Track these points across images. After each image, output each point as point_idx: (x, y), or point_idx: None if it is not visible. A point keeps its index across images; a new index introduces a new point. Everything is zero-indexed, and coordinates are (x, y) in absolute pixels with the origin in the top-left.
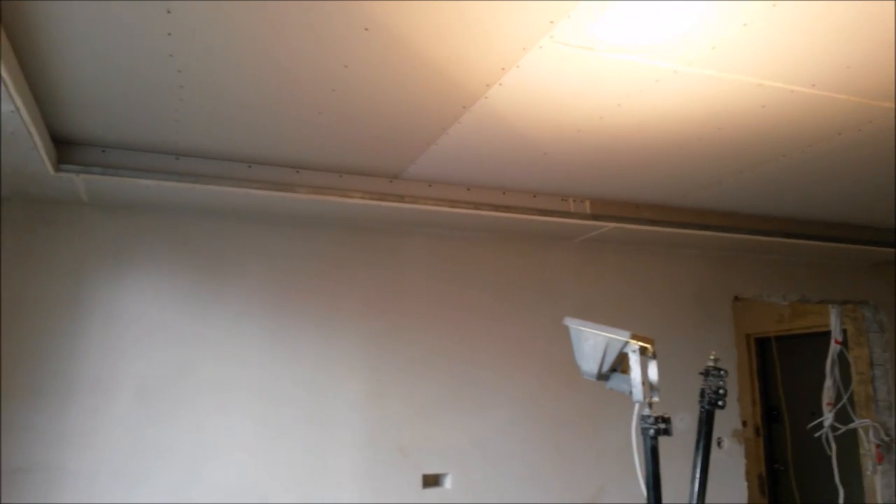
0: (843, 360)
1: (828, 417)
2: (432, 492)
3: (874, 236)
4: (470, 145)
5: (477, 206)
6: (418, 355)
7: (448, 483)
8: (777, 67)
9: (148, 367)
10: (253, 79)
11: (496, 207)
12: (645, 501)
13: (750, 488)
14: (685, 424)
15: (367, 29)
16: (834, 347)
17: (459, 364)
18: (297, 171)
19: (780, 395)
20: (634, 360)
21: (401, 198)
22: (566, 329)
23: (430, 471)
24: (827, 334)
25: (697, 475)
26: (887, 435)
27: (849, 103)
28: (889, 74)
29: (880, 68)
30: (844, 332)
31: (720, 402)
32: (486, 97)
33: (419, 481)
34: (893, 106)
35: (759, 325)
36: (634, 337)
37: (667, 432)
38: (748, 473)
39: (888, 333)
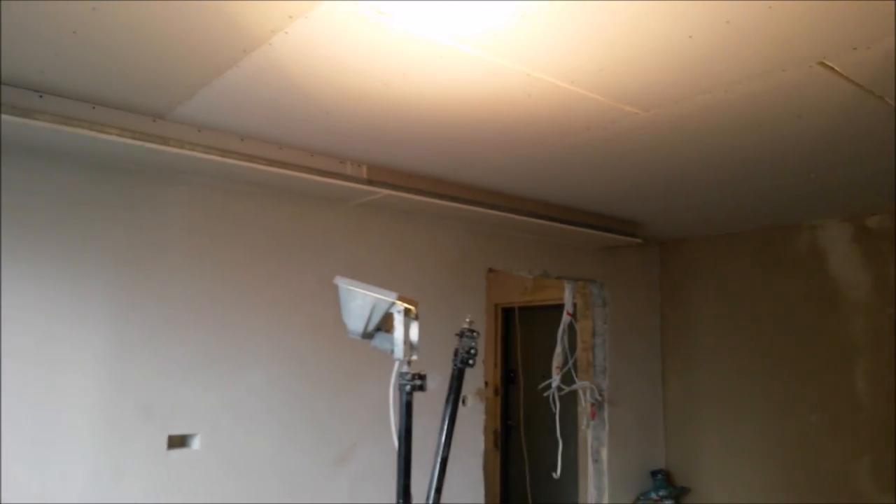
0: (571, 330)
1: (555, 379)
2: (178, 452)
3: (607, 224)
4: (248, 93)
5: (250, 158)
6: (172, 312)
7: (196, 444)
8: (546, 61)
9: None
10: None
11: (271, 162)
12: (395, 456)
13: (486, 442)
14: (436, 383)
15: None
16: (565, 318)
17: (217, 323)
18: (41, 96)
19: (517, 360)
20: (399, 321)
21: (165, 140)
22: (333, 290)
23: (177, 431)
24: (561, 306)
25: (445, 427)
26: (600, 395)
27: (599, 103)
28: (634, 82)
29: (628, 75)
30: (575, 305)
31: (471, 362)
32: (270, 44)
33: (164, 442)
34: (635, 111)
35: (506, 295)
36: (401, 298)
37: (422, 388)
38: (486, 429)
39: (609, 308)
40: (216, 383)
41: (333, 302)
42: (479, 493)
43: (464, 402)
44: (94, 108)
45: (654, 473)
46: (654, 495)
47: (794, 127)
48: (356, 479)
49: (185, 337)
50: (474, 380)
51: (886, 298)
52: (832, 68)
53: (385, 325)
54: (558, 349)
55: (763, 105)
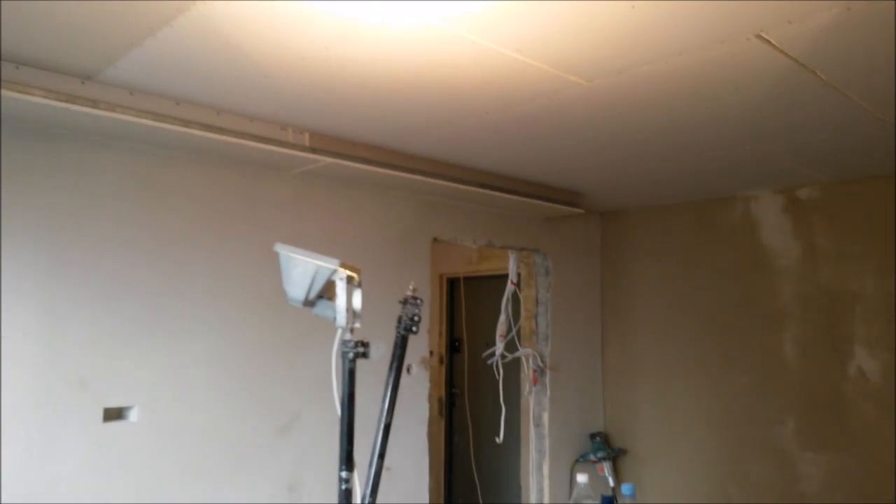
0: (515, 299)
1: (499, 347)
2: (115, 425)
3: (551, 194)
4: (183, 54)
5: (186, 123)
6: (105, 282)
7: (133, 416)
8: (491, 29)
9: None
10: None
11: (208, 128)
12: (339, 424)
13: (431, 409)
14: (380, 353)
15: None
16: (509, 287)
17: (153, 293)
18: None
19: (462, 329)
20: (341, 288)
21: (94, 103)
22: (275, 260)
23: (114, 404)
24: (505, 276)
25: (388, 393)
26: (542, 362)
27: (545, 72)
28: (579, 51)
29: (573, 44)
30: (519, 275)
31: (414, 329)
32: (205, 1)
33: (100, 415)
34: (580, 80)
35: (451, 265)
36: (343, 265)
37: (365, 355)
38: (430, 397)
39: (552, 277)
40: (154, 354)
41: (275, 271)
42: (423, 459)
43: (408, 370)
44: (17, 68)
45: (592, 436)
46: (592, 457)
47: (732, 99)
48: (300, 448)
49: (120, 307)
50: (419, 349)
51: (814, 267)
52: (768, 41)
53: (327, 292)
54: (502, 318)
55: (702, 77)
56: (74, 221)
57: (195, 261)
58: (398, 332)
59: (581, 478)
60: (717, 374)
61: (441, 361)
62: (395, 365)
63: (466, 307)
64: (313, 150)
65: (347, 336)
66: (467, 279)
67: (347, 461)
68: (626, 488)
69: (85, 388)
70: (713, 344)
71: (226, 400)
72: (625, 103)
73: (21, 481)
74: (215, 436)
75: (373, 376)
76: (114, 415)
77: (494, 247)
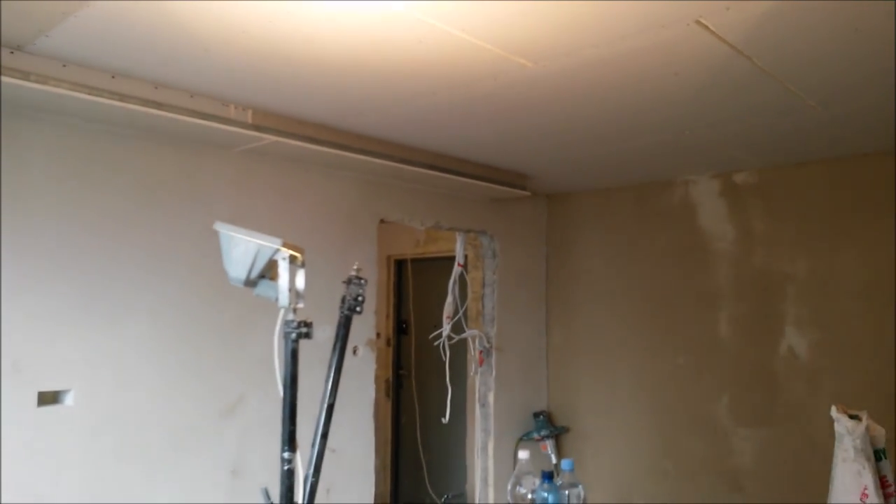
0: (462, 281)
1: (446, 328)
2: (49, 409)
3: (498, 176)
4: (118, 25)
5: (122, 98)
6: (38, 262)
7: (70, 399)
8: (437, 7)
9: None
10: None
11: (146, 103)
12: (280, 406)
13: (378, 391)
14: (326, 335)
15: None
16: (456, 269)
17: (90, 273)
18: None
19: (410, 310)
20: (284, 268)
21: (24, 75)
22: (217, 239)
23: (48, 388)
24: (453, 258)
25: (332, 374)
26: (488, 342)
27: (491, 53)
28: (525, 33)
29: (520, 25)
30: (466, 256)
31: (358, 308)
32: None
33: (34, 399)
34: (526, 62)
35: (398, 247)
36: (285, 245)
37: (308, 336)
38: (378, 379)
39: (499, 259)
40: (91, 336)
41: (215, 252)
42: (369, 440)
43: (354, 352)
44: None
45: (536, 415)
46: (535, 435)
47: (672, 84)
48: (244, 430)
49: (54, 288)
50: (365, 330)
51: (748, 249)
52: (707, 27)
53: (269, 272)
54: (449, 299)
55: (644, 61)
56: (3, 198)
57: (133, 240)
58: (342, 312)
59: (522, 454)
60: (656, 353)
61: (388, 343)
62: (338, 345)
63: (414, 289)
64: (256, 128)
65: (290, 316)
66: (415, 261)
67: (290, 442)
68: (565, 463)
69: (18, 371)
70: (653, 324)
71: (167, 383)
72: (570, 86)
73: None
74: (156, 419)
75: (318, 359)
76: (49, 399)
77: (442, 228)
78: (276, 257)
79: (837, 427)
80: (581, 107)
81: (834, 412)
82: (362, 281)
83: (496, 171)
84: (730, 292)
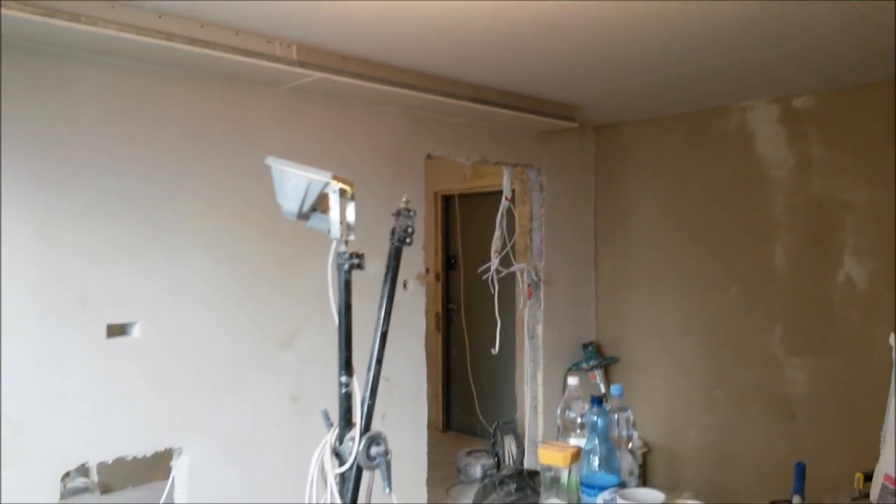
0: (510, 215)
1: (494, 263)
2: (118, 341)
3: (544, 108)
4: None
5: (169, 37)
6: (98, 198)
7: (136, 331)
8: None
9: None
10: None
11: (192, 41)
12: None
13: (428, 324)
14: (376, 269)
15: None
16: (504, 204)
17: (148, 208)
18: None
19: (458, 246)
20: (334, 201)
21: (75, 17)
22: (267, 176)
23: (116, 320)
24: (500, 193)
25: (384, 304)
26: (537, 276)
27: None
28: None
29: None
30: (513, 191)
31: (408, 240)
32: None
33: (103, 331)
34: None
35: (445, 183)
36: (335, 178)
37: (360, 266)
38: (427, 313)
39: (546, 193)
40: (153, 270)
41: (269, 188)
42: (421, 369)
43: (405, 286)
44: None
45: (585, 346)
46: (584, 365)
47: (726, 2)
48: (302, 359)
49: (115, 224)
50: (414, 264)
51: (806, 177)
52: None
53: (321, 205)
54: (497, 234)
55: None
56: (63, 138)
57: (188, 177)
58: (392, 244)
59: (572, 381)
60: (708, 284)
61: (437, 278)
62: (389, 276)
63: (461, 224)
64: (301, 65)
65: (342, 248)
66: (462, 196)
67: (347, 366)
68: (614, 388)
69: (87, 305)
70: (705, 255)
71: (226, 315)
72: (619, 8)
73: (29, 394)
74: (218, 350)
75: (368, 290)
76: (117, 331)
77: (488, 163)
78: (326, 190)
79: (895, 355)
80: (631, 30)
81: (893, 339)
82: (412, 213)
83: (543, 103)
84: (786, 222)
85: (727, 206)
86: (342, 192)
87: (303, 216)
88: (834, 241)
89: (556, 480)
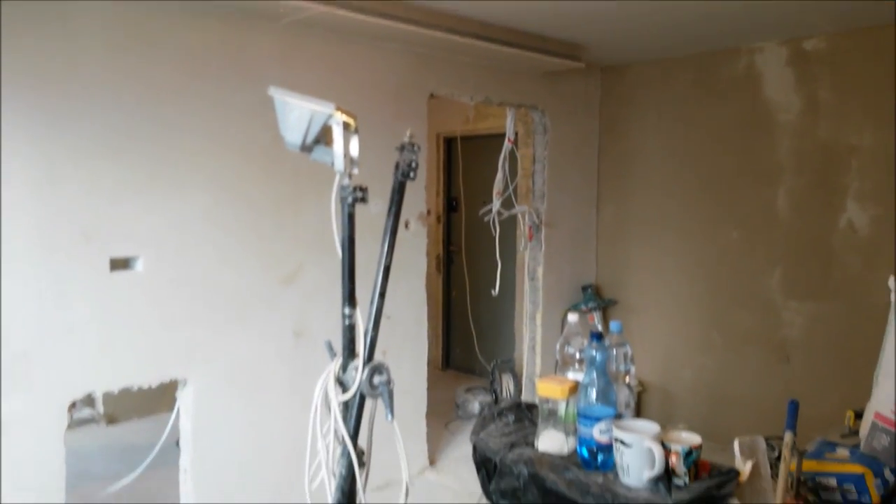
0: (512, 157)
1: (496, 204)
2: (122, 275)
3: (549, 46)
4: None
5: None
6: (99, 134)
7: (139, 266)
8: None
9: None
10: None
11: None
12: (340, 274)
13: (429, 266)
14: (378, 208)
15: None
16: (506, 146)
17: (149, 144)
18: None
19: (460, 188)
20: (338, 133)
21: None
22: (268, 113)
23: (119, 254)
24: (503, 135)
25: (387, 237)
26: (538, 218)
27: None
28: None
29: None
30: (517, 133)
31: (412, 174)
32: None
33: (106, 265)
34: None
35: (448, 125)
36: (339, 109)
37: (364, 200)
38: (428, 255)
39: (549, 135)
40: (155, 206)
41: (271, 125)
42: (422, 310)
43: (406, 225)
44: None
45: (584, 288)
46: (583, 307)
47: None
48: (304, 296)
49: (117, 159)
50: (416, 204)
51: (813, 121)
52: None
53: (324, 138)
54: (499, 175)
55: None
56: (63, 73)
57: (190, 113)
58: (396, 178)
59: (572, 317)
60: (709, 228)
61: (438, 220)
62: (393, 210)
63: (464, 166)
64: None
65: (346, 182)
66: (464, 138)
67: (350, 298)
68: (613, 325)
69: (90, 239)
70: (708, 199)
71: (229, 251)
72: None
73: (35, 325)
74: (221, 285)
75: (370, 229)
76: (120, 265)
77: (492, 103)
78: (329, 122)
79: (894, 297)
80: None
81: (892, 282)
82: (416, 147)
83: (549, 42)
84: (790, 166)
85: (732, 150)
86: (346, 126)
87: (306, 148)
88: (838, 186)
89: (553, 412)
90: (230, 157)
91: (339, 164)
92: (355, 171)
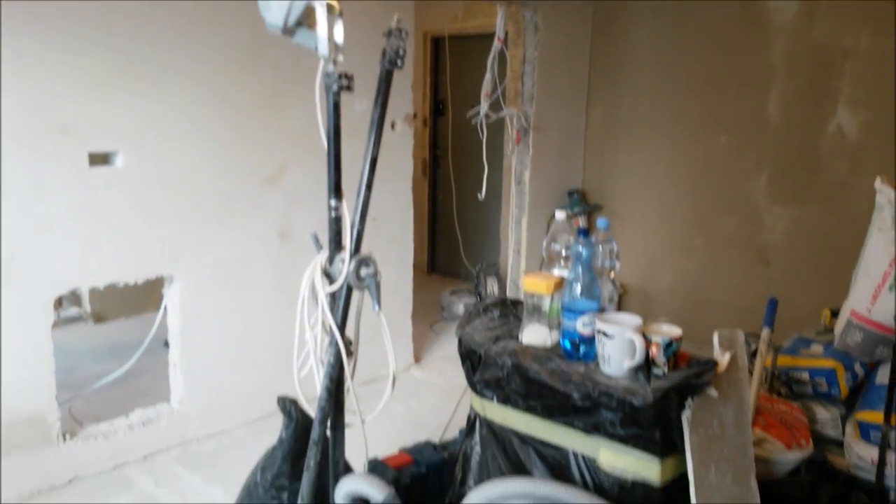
0: (502, 58)
1: (484, 107)
2: (101, 170)
3: None
4: None
5: None
6: (73, 26)
7: (119, 161)
8: None
9: None
10: None
11: None
12: (325, 177)
13: (415, 169)
14: (363, 107)
15: None
16: (496, 45)
17: (127, 35)
18: None
19: (447, 90)
20: (321, 15)
21: None
22: (248, 5)
23: (98, 149)
24: (492, 35)
25: (374, 129)
26: (526, 122)
27: None
28: None
29: None
30: (506, 33)
31: (399, 63)
32: None
33: (85, 159)
34: None
35: (435, 23)
36: None
37: (349, 88)
38: (414, 158)
39: (540, 35)
40: (136, 100)
41: (250, 19)
42: (407, 211)
43: (392, 126)
44: None
45: (570, 193)
46: (569, 211)
47: None
48: (289, 197)
49: (94, 51)
50: (403, 104)
51: (809, 23)
52: None
53: (307, 20)
54: (487, 76)
55: None
56: None
57: (164, 5)
58: (382, 67)
59: (559, 214)
60: (698, 132)
61: (425, 123)
62: (380, 101)
63: (451, 67)
64: None
65: (330, 68)
66: (452, 38)
67: (336, 190)
68: (601, 221)
69: (67, 133)
70: (698, 103)
71: (211, 149)
72: None
73: (15, 222)
74: (204, 184)
75: (355, 129)
76: (99, 160)
77: None
78: (312, 3)
79: (879, 198)
80: None
81: (878, 183)
82: (403, 33)
83: None
84: (783, 69)
85: (725, 53)
86: (330, 8)
87: (288, 31)
88: (829, 90)
89: (538, 307)
90: (209, 52)
91: (323, 48)
92: (340, 58)
